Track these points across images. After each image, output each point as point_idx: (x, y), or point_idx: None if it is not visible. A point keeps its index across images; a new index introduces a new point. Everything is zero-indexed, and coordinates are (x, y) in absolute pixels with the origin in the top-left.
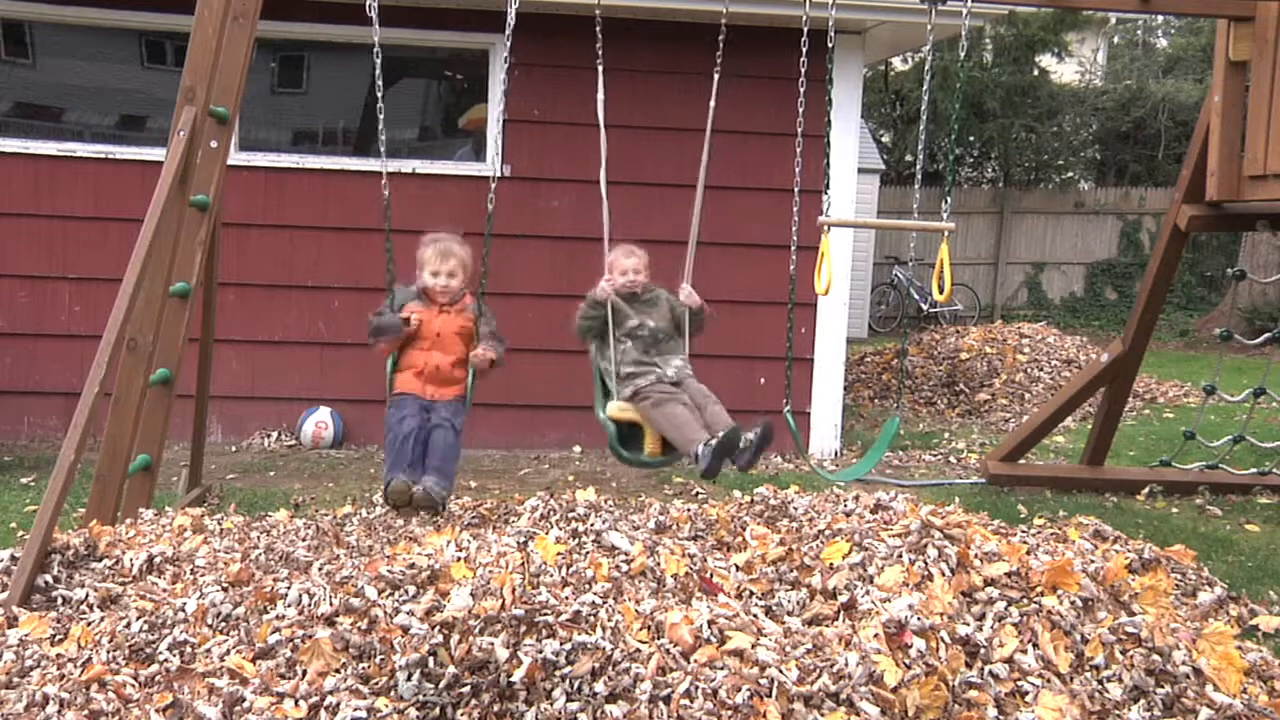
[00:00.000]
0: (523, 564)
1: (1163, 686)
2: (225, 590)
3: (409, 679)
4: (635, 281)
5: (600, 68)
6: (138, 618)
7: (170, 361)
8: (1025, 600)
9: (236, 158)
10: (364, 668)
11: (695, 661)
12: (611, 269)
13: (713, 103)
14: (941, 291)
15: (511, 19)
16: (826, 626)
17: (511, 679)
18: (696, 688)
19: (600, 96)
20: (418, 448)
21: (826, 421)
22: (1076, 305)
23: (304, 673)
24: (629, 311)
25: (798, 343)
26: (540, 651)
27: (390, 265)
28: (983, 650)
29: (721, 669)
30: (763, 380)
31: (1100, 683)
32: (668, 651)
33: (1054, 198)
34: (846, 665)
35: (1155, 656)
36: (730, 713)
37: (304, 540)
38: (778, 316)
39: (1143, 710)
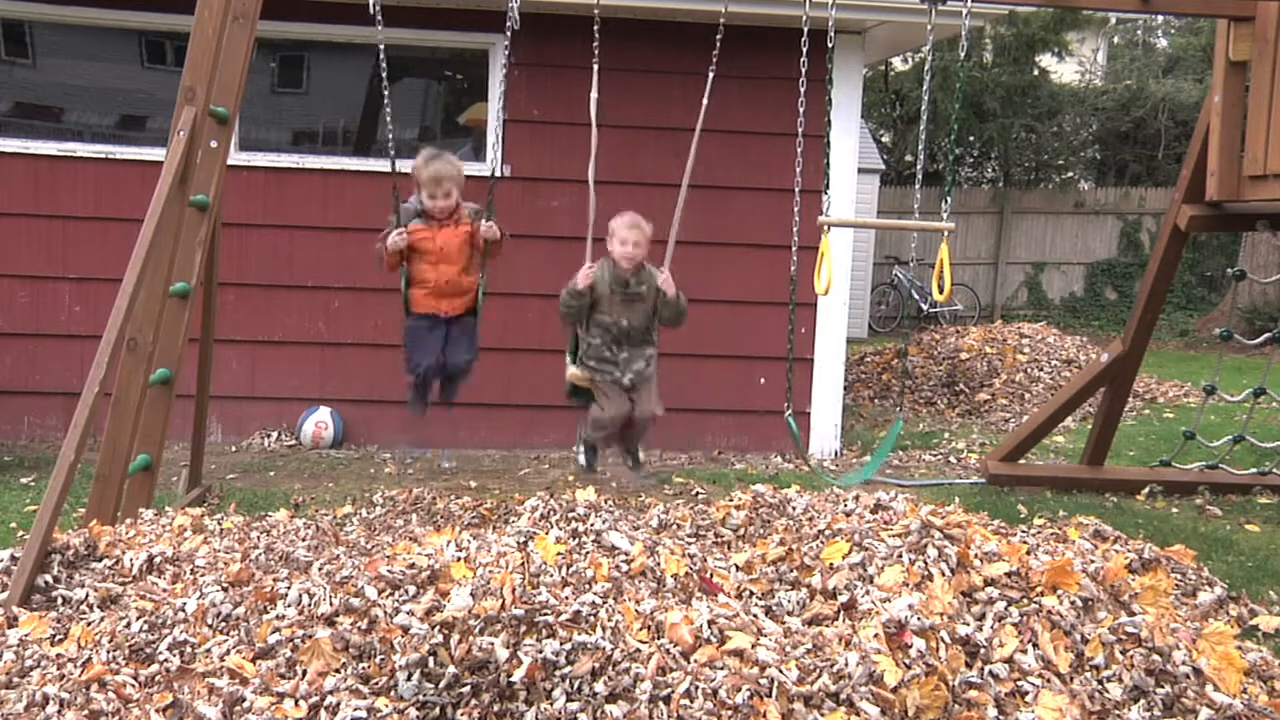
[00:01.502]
0: (523, 564)
1: (1163, 686)
2: (225, 590)
3: (409, 679)
4: (632, 256)
5: (595, 66)
6: (138, 618)
7: (170, 361)
8: (1025, 600)
9: (236, 158)
10: (364, 668)
11: (695, 661)
12: (612, 235)
13: (705, 100)
14: (941, 291)
15: (512, 19)
16: (826, 626)
17: (511, 679)
18: (696, 688)
19: (594, 95)
20: (433, 384)
21: (826, 421)
22: (1076, 305)
23: (304, 673)
24: (606, 304)
25: (798, 342)
26: (540, 651)
27: (396, 194)
28: (983, 650)
29: (721, 669)
30: (762, 380)
31: (1100, 683)
32: (668, 651)
33: (1054, 198)
34: (846, 665)
35: (1155, 656)
36: (730, 713)
37: (304, 540)
38: (778, 316)
39: (1143, 710)
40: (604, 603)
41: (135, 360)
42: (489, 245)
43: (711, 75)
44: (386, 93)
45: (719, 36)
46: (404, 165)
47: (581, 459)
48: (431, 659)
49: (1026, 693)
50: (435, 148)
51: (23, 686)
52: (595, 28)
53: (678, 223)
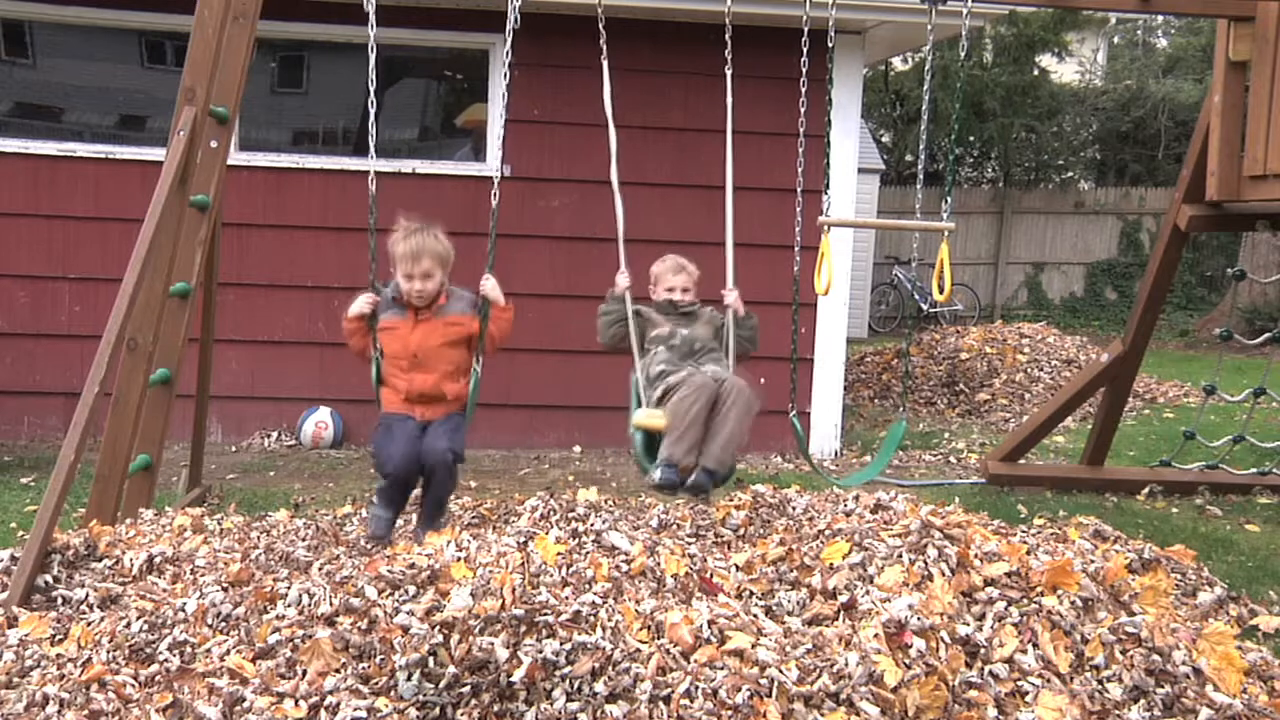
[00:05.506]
0: (523, 564)
1: (1163, 686)
2: (225, 590)
3: (409, 679)
4: (680, 302)
5: (605, 65)
6: (138, 618)
7: (170, 361)
8: (1025, 600)
9: (236, 158)
10: (364, 668)
11: (695, 661)
12: (657, 284)
13: (729, 100)
14: (941, 291)
15: (512, 19)
16: (826, 626)
17: (511, 679)
18: (696, 688)
19: (607, 94)
20: (410, 482)
21: (827, 421)
22: (1076, 305)
23: (304, 673)
24: (659, 320)
25: (798, 342)
26: (540, 651)
27: (374, 268)
28: (983, 650)
29: (721, 669)
30: (762, 380)
31: (1100, 683)
32: (668, 651)
33: (1054, 198)
34: (846, 665)
35: (1155, 656)
36: (730, 713)
37: (304, 540)
38: (778, 316)
39: (1143, 710)
40: (604, 603)
41: (135, 360)
42: (486, 318)
43: (729, 75)
44: (373, 91)
45: (729, 35)
46: (402, 165)
47: (657, 475)
48: (431, 659)
49: (1026, 693)
50: (419, 220)
51: (23, 686)
52: (601, 24)
53: (731, 230)
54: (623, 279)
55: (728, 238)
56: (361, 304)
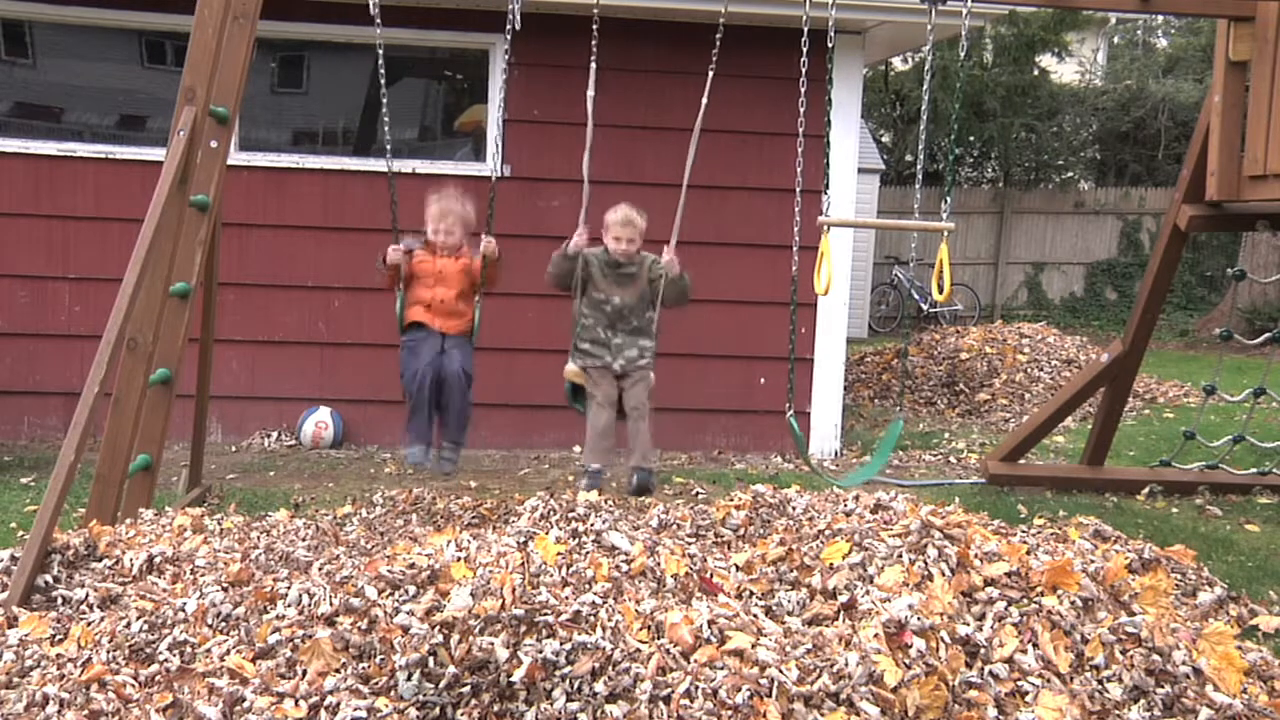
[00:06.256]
0: (523, 564)
1: (1163, 686)
2: (225, 590)
3: (409, 679)
4: (626, 251)
5: (594, 64)
6: (138, 618)
7: (170, 361)
8: (1025, 600)
9: (236, 158)
10: (364, 668)
11: (695, 661)
12: (607, 229)
13: (705, 99)
14: (941, 291)
15: (512, 19)
16: (826, 626)
17: (511, 679)
18: (696, 688)
19: (590, 92)
20: (433, 401)
21: (827, 421)
22: (1076, 305)
23: (304, 673)
24: (599, 280)
25: (798, 342)
26: (540, 651)
27: (395, 223)
28: (983, 650)
29: (721, 669)
30: (763, 380)
31: (1100, 683)
32: (668, 651)
33: (1054, 198)
34: (846, 665)
35: (1155, 656)
36: (730, 713)
37: (304, 540)
38: (778, 316)
39: (1143, 710)
40: (604, 603)
41: (135, 360)
42: (486, 267)
43: (711, 74)
44: (385, 92)
45: (718, 36)
46: (402, 165)
47: (583, 484)
48: (431, 659)
49: (1026, 693)
50: (452, 190)
51: (23, 686)
52: (594, 27)
53: (679, 223)
54: (580, 238)
55: (681, 198)
56: (392, 256)
